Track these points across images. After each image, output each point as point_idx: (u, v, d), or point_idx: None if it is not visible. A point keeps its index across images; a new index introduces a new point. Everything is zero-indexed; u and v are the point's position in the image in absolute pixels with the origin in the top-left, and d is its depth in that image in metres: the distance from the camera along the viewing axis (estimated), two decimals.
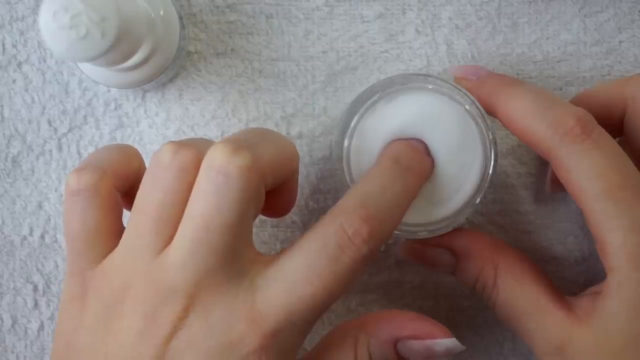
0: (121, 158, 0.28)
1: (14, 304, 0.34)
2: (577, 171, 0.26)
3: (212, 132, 0.33)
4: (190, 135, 0.33)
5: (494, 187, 0.34)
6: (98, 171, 0.26)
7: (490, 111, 0.29)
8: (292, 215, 0.34)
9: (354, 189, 0.26)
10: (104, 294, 0.25)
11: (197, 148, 0.26)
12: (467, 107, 0.28)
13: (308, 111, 0.33)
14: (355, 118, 0.29)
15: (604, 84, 0.30)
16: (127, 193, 0.28)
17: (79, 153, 0.33)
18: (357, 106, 0.29)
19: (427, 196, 0.29)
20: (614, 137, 0.30)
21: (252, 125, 0.33)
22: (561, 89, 0.33)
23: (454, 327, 0.34)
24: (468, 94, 0.29)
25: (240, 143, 0.25)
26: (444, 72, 0.33)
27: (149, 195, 0.26)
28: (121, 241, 0.26)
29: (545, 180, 0.33)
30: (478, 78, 0.30)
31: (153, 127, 0.33)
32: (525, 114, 0.27)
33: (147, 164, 0.33)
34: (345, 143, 0.29)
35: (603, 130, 0.26)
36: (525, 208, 0.34)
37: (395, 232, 0.29)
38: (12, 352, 0.34)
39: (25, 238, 0.34)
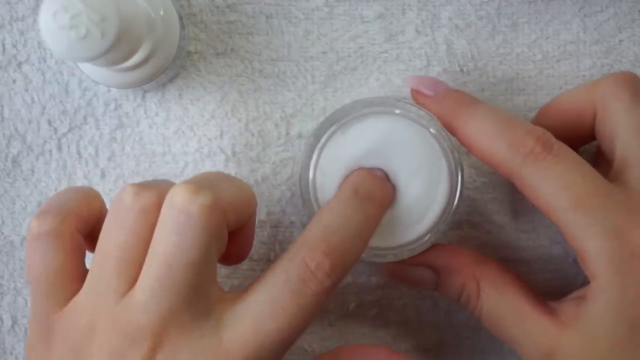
0: (82, 200, 0.28)
1: (14, 304, 0.34)
2: (543, 187, 0.26)
3: (211, 131, 0.33)
4: (190, 135, 0.33)
5: (492, 186, 0.34)
6: (59, 215, 0.27)
7: (449, 130, 0.29)
8: (291, 216, 0.34)
9: (315, 221, 0.26)
10: (70, 337, 0.25)
11: (158, 189, 0.26)
12: (423, 122, 0.29)
13: (307, 111, 0.33)
14: (316, 152, 0.29)
15: (573, 90, 0.30)
16: (90, 234, 0.28)
17: (79, 153, 0.33)
18: (317, 139, 0.29)
19: (396, 220, 0.29)
20: (587, 142, 0.30)
21: (252, 125, 0.33)
22: (561, 88, 0.33)
23: (453, 326, 0.34)
24: (424, 109, 0.29)
25: (201, 183, 0.25)
26: (442, 73, 0.33)
27: (111, 236, 0.26)
28: (85, 283, 0.26)
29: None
30: (436, 93, 0.29)
31: (153, 127, 0.33)
32: (485, 137, 0.27)
33: (147, 165, 0.33)
34: (310, 177, 0.29)
35: (563, 145, 0.27)
36: (525, 208, 0.34)
37: (374, 259, 0.30)
38: (11, 354, 0.34)
39: (25, 238, 0.34)
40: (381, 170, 0.29)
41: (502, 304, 0.28)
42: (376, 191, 0.27)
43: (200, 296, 0.25)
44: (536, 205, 0.27)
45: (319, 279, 0.25)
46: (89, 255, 0.28)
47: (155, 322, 0.24)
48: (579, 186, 0.26)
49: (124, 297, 0.25)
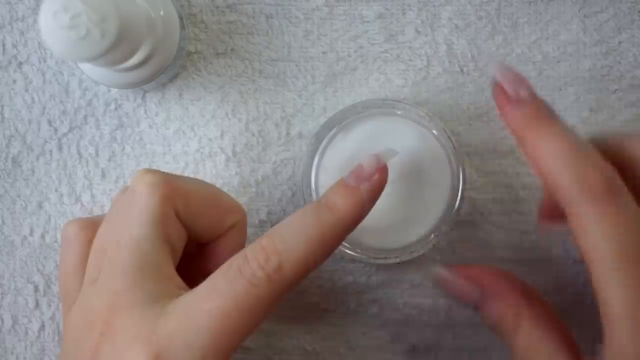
0: None
1: (15, 304, 0.34)
2: (594, 231, 0.25)
3: (211, 131, 0.33)
4: (190, 135, 0.33)
5: (492, 186, 0.34)
6: (80, 223, 0.29)
7: (516, 138, 0.27)
8: None
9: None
10: (71, 335, 0.27)
11: None
12: (425, 123, 0.29)
13: (308, 111, 0.33)
14: (318, 154, 0.29)
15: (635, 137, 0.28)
16: None
17: (79, 153, 0.33)
18: (318, 141, 0.29)
19: (398, 221, 0.29)
20: None
21: (252, 125, 0.33)
22: (560, 89, 0.33)
23: (453, 326, 0.34)
24: (424, 110, 0.29)
25: (161, 172, 0.27)
26: (443, 73, 0.33)
27: (100, 230, 0.27)
28: None
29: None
30: (517, 97, 0.27)
31: (153, 127, 0.33)
32: (555, 161, 0.26)
33: (147, 165, 0.33)
34: (312, 179, 0.29)
35: (629, 197, 0.25)
36: (525, 208, 0.34)
37: (376, 261, 0.30)
38: (12, 354, 0.34)
39: (25, 238, 0.34)
40: (366, 173, 0.27)
41: (538, 348, 0.27)
42: (341, 203, 0.26)
43: (146, 280, 0.25)
44: (577, 245, 0.26)
45: (252, 269, 0.25)
46: None
47: (105, 306, 0.25)
48: (628, 246, 0.25)
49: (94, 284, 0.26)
